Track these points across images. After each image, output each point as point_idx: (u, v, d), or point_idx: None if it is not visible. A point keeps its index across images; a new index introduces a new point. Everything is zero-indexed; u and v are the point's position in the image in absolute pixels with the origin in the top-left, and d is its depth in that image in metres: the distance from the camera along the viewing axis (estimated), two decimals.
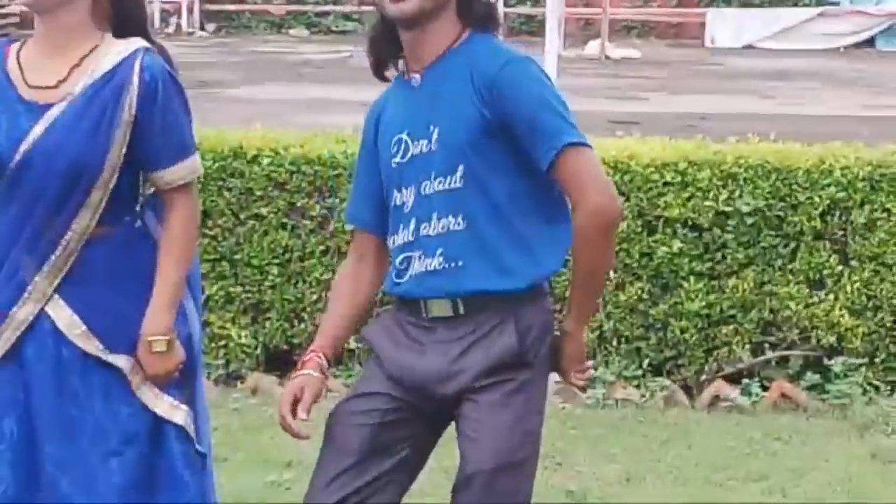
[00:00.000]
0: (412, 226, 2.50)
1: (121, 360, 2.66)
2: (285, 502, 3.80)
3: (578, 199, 2.35)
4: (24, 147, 2.54)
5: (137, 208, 2.72)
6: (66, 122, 2.58)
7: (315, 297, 5.16)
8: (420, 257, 2.52)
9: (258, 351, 5.35)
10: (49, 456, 2.71)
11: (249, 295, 5.28)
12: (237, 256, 5.01)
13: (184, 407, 2.75)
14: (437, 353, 2.50)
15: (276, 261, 5.18)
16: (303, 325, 5.27)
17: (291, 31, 13.15)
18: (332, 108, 9.04)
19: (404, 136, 2.48)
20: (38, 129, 2.56)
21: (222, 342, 5.40)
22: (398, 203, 2.53)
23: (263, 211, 5.20)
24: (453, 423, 2.53)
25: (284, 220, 5.15)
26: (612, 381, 5.12)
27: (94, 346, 2.67)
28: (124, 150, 2.60)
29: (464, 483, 2.47)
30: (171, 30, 12.48)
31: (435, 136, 2.43)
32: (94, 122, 2.60)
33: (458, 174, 2.42)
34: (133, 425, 2.74)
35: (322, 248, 5.13)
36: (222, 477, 3.30)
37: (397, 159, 2.50)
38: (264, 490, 4.04)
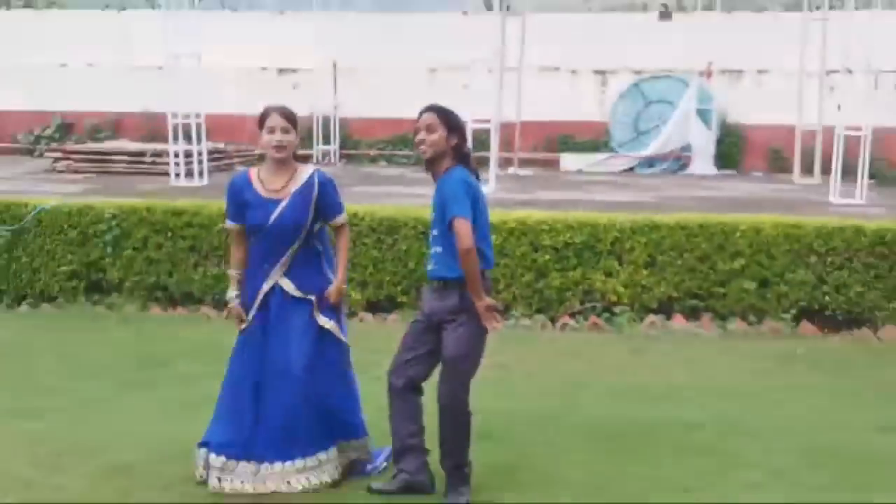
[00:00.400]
0: (432, 248, 4.72)
1: (311, 298, 4.74)
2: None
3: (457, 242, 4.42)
4: (272, 218, 4.69)
5: (315, 239, 4.84)
6: (290, 205, 4.73)
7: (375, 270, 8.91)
8: (430, 264, 4.74)
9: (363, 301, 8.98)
10: (272, 344, 4.74)
11: (360, 276, 8.91)
12: (354, 261, 7.55)
13: (333, 322, 4.81)
14: (434, 300, 4.68)
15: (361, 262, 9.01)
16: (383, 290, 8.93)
17: (379, 163, 18.73)
18: (398, 197, 13.09)
19: (431, 206, 4.70)
20: (277, 211, 4.69)
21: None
22: (431, 231, 4.74)
23: (367, 241, 8.91)
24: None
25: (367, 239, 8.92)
26: (518, 316, 8.77)
27: (300, 294, 4.75)
28: (312, 214, 4.74)
29: (442, 364, 4.66)
30: (326, 161, 18.50)
31: (437, 211, 4.61)
32: (303, 203, 4.74)
33: (440, 229, 4.59)
34: (313, 327, 4.76)
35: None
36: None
37: (430, 214, 4.75)
38: (367, 360, 5.67)
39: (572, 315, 8.92)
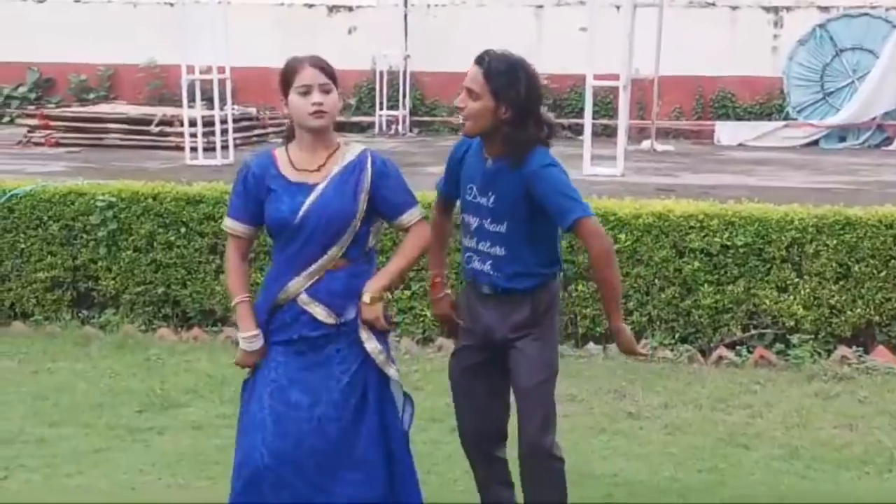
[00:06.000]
0: (475, 239, 4.76)
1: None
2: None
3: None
4: (303, 210, 4.46)
5: (367, 248, 4.63)
6: (329, 191, 4.49)
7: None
8: (477, 260, 4.79)
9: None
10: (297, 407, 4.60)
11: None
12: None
13: (381, 348, 4.61)
14: (491, 315, 4.81)
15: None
16: None
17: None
18: None
19: (475, 187, 4.75)
20: (310, 199, 4.48)
21: (420, 318, 8.97)
22: (467, 220, 4.80)
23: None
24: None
25: None
26: (655, 346, 8.73)
27: (333, 320, 4.56)
28: (363, 208, 4.52)
29: (517, 398, 4.84)
30: (392, 132, 19.18)
31: (493, 198, 4.70)
32: (349, 191, 4.52)
33: (505, 224, 4.69)
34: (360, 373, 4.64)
35: None
36: (419, 398, 5.06)
37: (468, 197, 4.76)
38: (445, 409, 5.95)
39: (731, 345, 8.91)
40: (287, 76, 4.59)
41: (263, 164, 4.62)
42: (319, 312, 4.57)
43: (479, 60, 4.69)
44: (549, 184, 4.65)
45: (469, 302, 4.96)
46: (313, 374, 4.59)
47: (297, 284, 4.56)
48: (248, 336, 4.65)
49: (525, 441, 4.82)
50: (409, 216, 4.68)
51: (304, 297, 4.55)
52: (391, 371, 4.69)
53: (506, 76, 4.63)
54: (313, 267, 4.55)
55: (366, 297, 4.58)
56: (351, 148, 4.65)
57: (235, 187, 4.68)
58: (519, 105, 4.64)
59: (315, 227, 4.51)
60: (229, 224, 4.70)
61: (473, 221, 4.81)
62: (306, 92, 4.51)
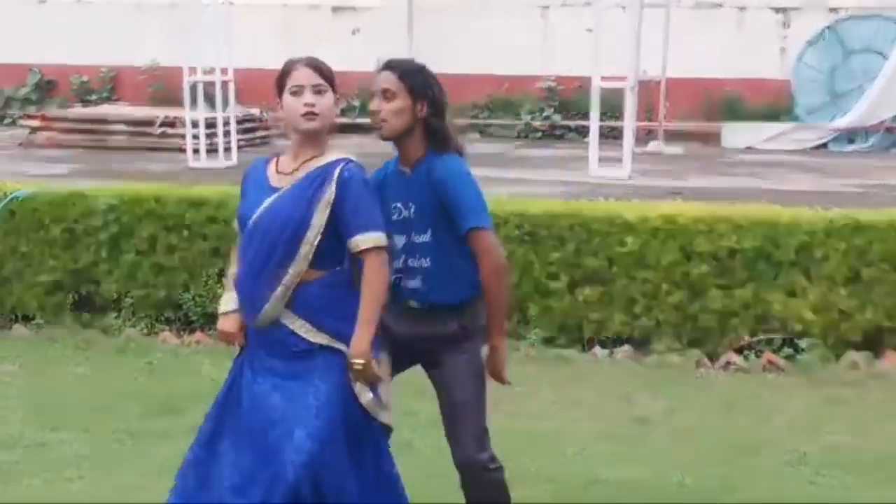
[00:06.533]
0: (403, 257, 4.70)
1: (340, 347, 4.40)
2: None
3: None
4: (257, 212, 4.40)
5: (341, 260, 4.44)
6: (285, 197, 4.39)
7: None
8: (407, 278, 4.74)
9: None
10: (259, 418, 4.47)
11: None
12: None
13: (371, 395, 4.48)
14: (416, 326, 4.77)
15: None
16: None
17: (469, 136, 18.99)
18: (496, 184, 12.54)
19: (399, 204, 4.70)
20: (267, 202, 4.40)
21: None
22: (394, 243, 4.60)
23: None
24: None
25: None
26: (662, 351, 8.74)
27: (319, 339, 4.42)
28: (320, 220, 4.34)
29: (447, 413, 4.83)
30: None
31: (414, 208, 4.67)
32: (303, 200, 4.37)
33: (429, 233, 4.67)
34: (334, 395, 4.43)
35: None
36: (423, 402, 5.52)
37: (395, 217, 4.68)
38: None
39: (739, 350, 8.94)
40: (280, 78, 4.54)
41: (257, 166, 4.63)
42: (300, 327, 4.46)
43: (388, 65, 4.74)
44: (455, 188, 4.69)
45: (393, 318, 4.80)
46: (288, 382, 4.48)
47: (272, 308, 4.44)
48: (226, 298, 4.68)
49: (461, 458, 4.83)
50: (357, 240, 4.43)
51: (286, 314, 4.44)
52: (384, 416, 4.60)
53: (419, 75, 4.75)
54: (279, 290, 4.40)
55: (357, 364, 4.38)
56: (329, 156, 4.51)
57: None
58: (435, 101, 4.74)
59: (267, 230, 4.41)
60: (236, 220, 4.67)
61: (401, 240, 4.76)
62: (297, 92, 4.44)
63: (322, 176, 4.43)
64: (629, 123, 13.92)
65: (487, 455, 4.83)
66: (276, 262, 4.39)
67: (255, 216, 4.43)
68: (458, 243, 4.69)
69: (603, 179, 13.54)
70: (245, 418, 4.47)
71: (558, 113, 20.36)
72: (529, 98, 20.57)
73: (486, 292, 4.71)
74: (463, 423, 4.81)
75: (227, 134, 14.64)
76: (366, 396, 4.45)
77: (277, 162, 4.57)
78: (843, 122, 18.51)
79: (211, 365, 8.42)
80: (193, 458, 4.62)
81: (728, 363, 8.82)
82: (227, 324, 4.67)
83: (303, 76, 4.46)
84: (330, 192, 4.39)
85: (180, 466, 4.66)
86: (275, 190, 4.46)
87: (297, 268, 4.38)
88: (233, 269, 4.66)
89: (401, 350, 4.78)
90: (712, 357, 8.94)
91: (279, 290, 4.39)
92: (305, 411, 4.33)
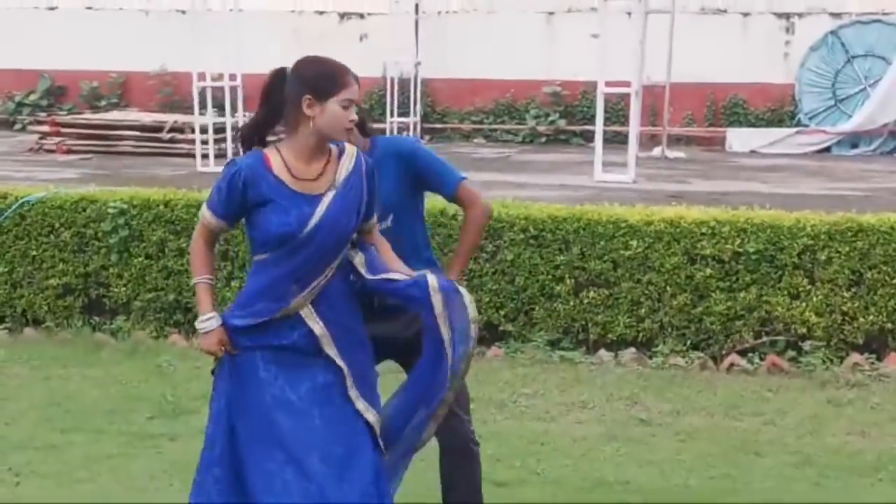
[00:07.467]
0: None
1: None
2: None
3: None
4: (312, 223, 4.25)
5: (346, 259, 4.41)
6: (338, 201, 4.32)
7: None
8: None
9: None
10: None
11: None
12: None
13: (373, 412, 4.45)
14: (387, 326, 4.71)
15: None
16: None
17: (474, 140, 18.89)
18: (497, 187, 13.04)
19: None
20: (319, 211, 4.27)
21: None
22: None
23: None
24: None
25: None
26: (667, 354, 8.74)
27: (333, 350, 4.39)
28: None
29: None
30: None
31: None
32: (352, 199, 4.37)
33: (391, 217, 4.81)
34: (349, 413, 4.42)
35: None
36: None
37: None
38: None
39: (743, 353, 8.94)
40: (329, 82, 4.36)
41: (254, 167, 4.32)
42: (318, 329, 4.39)
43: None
44: (426, 157, 4.99)
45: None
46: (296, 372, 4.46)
47: (301, 301, 4.37)
48: (205, 318, 4.51)
49: (463, 432, 4.96)
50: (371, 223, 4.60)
51: (306, 311, 4.37)
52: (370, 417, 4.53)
53: None
54: (315, 284, 4.36)
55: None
56: (346, 154, 4.46)
57: (219, 183, 4.40)
58: None
59: (322, 241, 4.32)
60: (206, 215, 4.46)
61: None
62: (348, 107, 4.34)
63: (359, 169, 4.46)
64: (634, 128, 13.97)
65: (474, 430, 4.99)
66: (322, 266, 4.36)
67: (308, 229, 4.28)
68: (418, 222, 4.96)
69: (608, 183, 13.57)
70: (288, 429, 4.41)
71: (563, 118, 20.41)
72: (535, 103, 20.59)
73: (471, 230, 4.93)
74: (457, 400, 4.80)
75: (235, 139, 14.66)
76: (371, 415, 4.46)
77: (283, 164, 4.35)
78: (846, 126, 18.50)
79: None
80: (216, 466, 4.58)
81: (732, 365, 8.79)
82: (212, 337, 4.60)
83: (355, 91, 4.40)
84: (364, 189, 4.46)
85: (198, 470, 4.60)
86: (309, 199, 4.33)
87: (334, 267, 4.38)
88: (208, 278, 4.55)
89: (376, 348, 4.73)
90: (716, 359, 8.91)
91: (313, 287, 4.36)
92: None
